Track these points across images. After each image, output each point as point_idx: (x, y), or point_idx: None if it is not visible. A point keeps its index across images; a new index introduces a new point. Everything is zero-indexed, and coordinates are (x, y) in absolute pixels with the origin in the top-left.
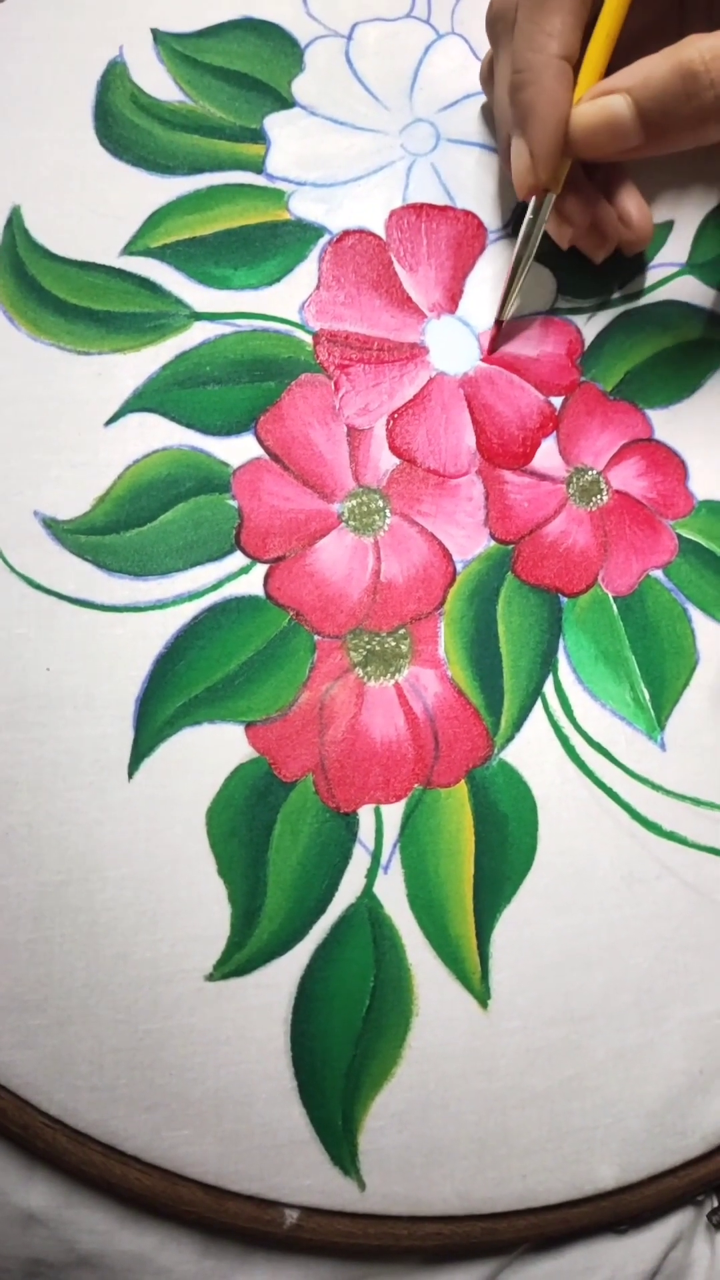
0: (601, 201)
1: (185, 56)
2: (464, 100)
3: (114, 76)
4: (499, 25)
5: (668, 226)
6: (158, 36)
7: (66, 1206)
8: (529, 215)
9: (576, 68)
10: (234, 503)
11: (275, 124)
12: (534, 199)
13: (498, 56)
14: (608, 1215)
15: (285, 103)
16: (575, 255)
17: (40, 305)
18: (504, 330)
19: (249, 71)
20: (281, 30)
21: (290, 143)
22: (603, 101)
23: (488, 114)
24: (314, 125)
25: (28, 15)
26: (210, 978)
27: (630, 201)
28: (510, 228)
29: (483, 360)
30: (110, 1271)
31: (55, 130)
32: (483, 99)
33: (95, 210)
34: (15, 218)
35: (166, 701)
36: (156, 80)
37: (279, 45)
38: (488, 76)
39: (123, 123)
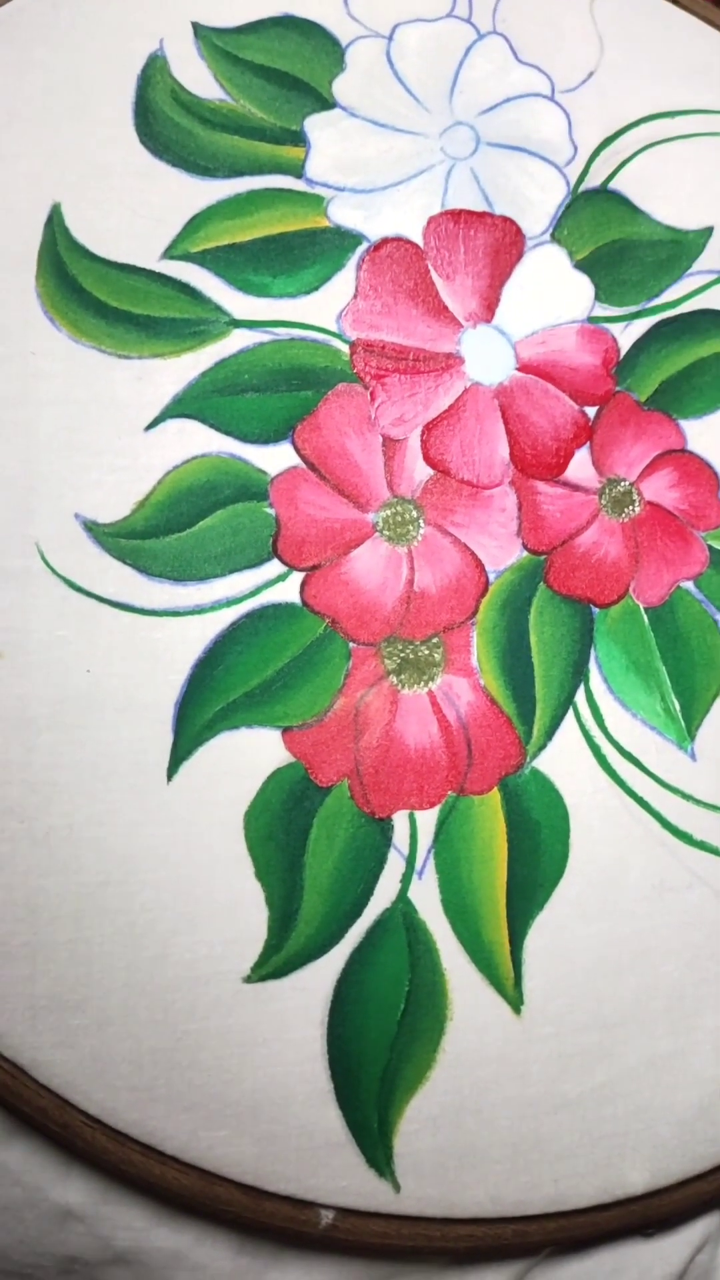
0: None
1: (226, 53)
2: (504, 104)
3: (154, 71)
4: None
5: (707, 233)
6: (198, 30)
7: (103, 1203)
8: None
9: None
10: (271, 511)
11: (315, 126)
12: None
13: None
14: (636, 1219)
15: (326, 103)
16: (612, 263)
17: (81, 307)
18: (541, 338)
19: (290, 70)
20: (323, 29)
21: (330, 145)
22: None
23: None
24: (354, 127)
25: (65, 1)
26: (248, 979)
27: None
28: (552, 234)
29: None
30: (145, 1268)
31: (96, 126)
32: (523, 101)
33: (136, 211)
34: (56, 215)
35: (205, 705)
36: (197, 76)
37: (320, 44)
38: None
39: (163, 121)
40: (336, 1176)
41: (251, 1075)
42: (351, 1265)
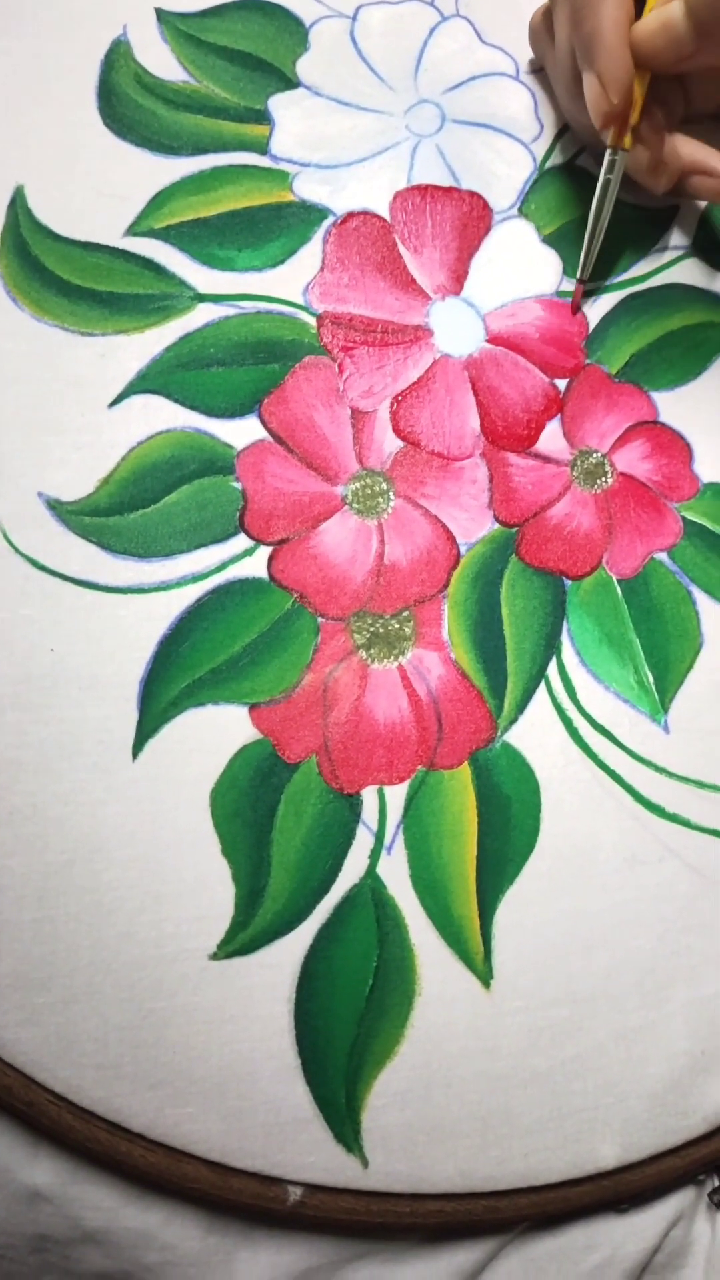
0: (667, 139)
1: (189, 36)
2: (469, 82)
3: (118, 56)
4: None
5: (673, 209)
6: (162, 16)
7: (72, 1183)
8: (602, 175)
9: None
10: (238, 485)
11: (279, 104)
12: (606, 159)
13: (556, 7)
14: (609, 1194)
15: (290, 83)
16: (577, 240)
17: (44, 286)
18: (510, 311)
19: (253, 51)
20: (286, 10)
21: (294, 123)
22: (661, 9)
23: (545, 94)
24: (318, 106)
25: None
26: (214, 957)
27: (708, 154)
28: (519, 208)
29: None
30: (115, 1248)
31: (59, 110)
32: (489, 80)
33: (99, 191)
34: (19, 197)
35: (170, 683)
36: (160, 60)
37: (284, 25)
38: (541, 26)
39: (126, 103)
40: (304, 1152)
41: (218, 1052)
42: (321, 1244)
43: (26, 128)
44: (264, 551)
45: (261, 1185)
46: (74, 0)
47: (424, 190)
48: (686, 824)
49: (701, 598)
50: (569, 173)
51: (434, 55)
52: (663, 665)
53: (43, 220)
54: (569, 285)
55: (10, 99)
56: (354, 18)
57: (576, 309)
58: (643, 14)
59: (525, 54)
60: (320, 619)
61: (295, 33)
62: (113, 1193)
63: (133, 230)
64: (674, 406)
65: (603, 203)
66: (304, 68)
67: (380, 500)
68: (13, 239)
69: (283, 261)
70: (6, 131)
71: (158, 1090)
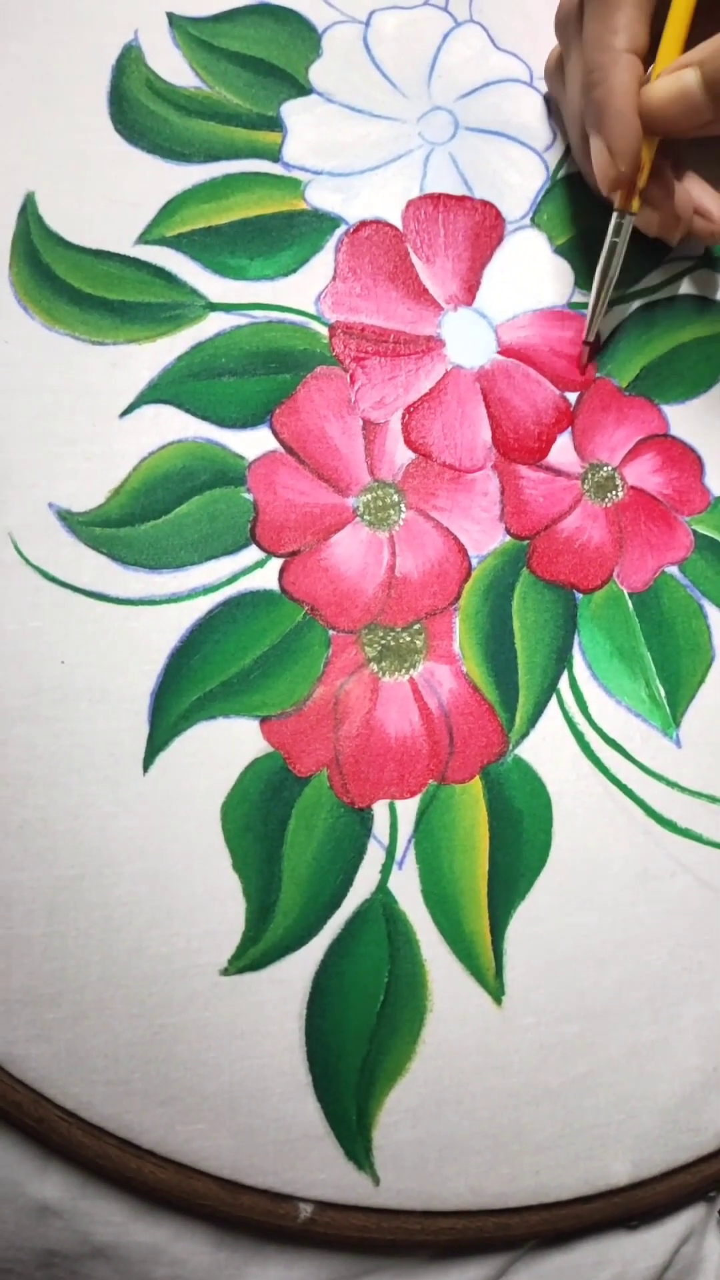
0: (677, 186)
1: (201, 41)
2: (483, 89)
3: (129, 61)
4: (568, 28)
5: None
6: (174, 21)
7: (81, 1198)
8: (609, 237)
9: (648, 58)
10: (249, 496)
11: (292, 111)
12: (613, 222)
13: (568, 57)
14: (619, 1211)
15: (302, 89)
16: (589, 251)
17: (55, 294)
18: (522, 322)
19: (266, 57)
20: (299, 16)
21: (307, 130)
22: (675, 75)
23: (555, 108)
24: (331, 112)
25: None
26: (225, 972)
27: (706, 196)
28: (531, 218)
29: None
30: (124, 1263)
31: (70, 116)
32: (502, 86)
33: (110, 198)
34: (30, 205)
35: (181, 696)
36: (172, 65)
37: (296, 31)
38: (555, 71)
39: (138, 109)
40: (315, 1169)
41: (229, 1068)
42: (332, 1260)
43: (37, 134)
44: (275, 563)
45: (272, 1202)
46: (84, 5)
47: (436, 199)
48: (698, 839)
49: (713, 611)
50: (581, 183)
51: (447, 62)
52: (674, 679)
53: (53, 228)
54: (580, 297)
55: (20, 105)
56: (367, 23)
57: (583, 368)
58: (651, 75)
59: (538, 60)
60: (331, 631)
61: (308, 38)
62: (122, 1208)
63: (144, 238)
64: (685, 419)
65: (609, 265)
66: (316, 74)
67: (392, 512)
68: (24, 247)
69: (295, 270)
70: (17, 138)
71: (168, 1106)
